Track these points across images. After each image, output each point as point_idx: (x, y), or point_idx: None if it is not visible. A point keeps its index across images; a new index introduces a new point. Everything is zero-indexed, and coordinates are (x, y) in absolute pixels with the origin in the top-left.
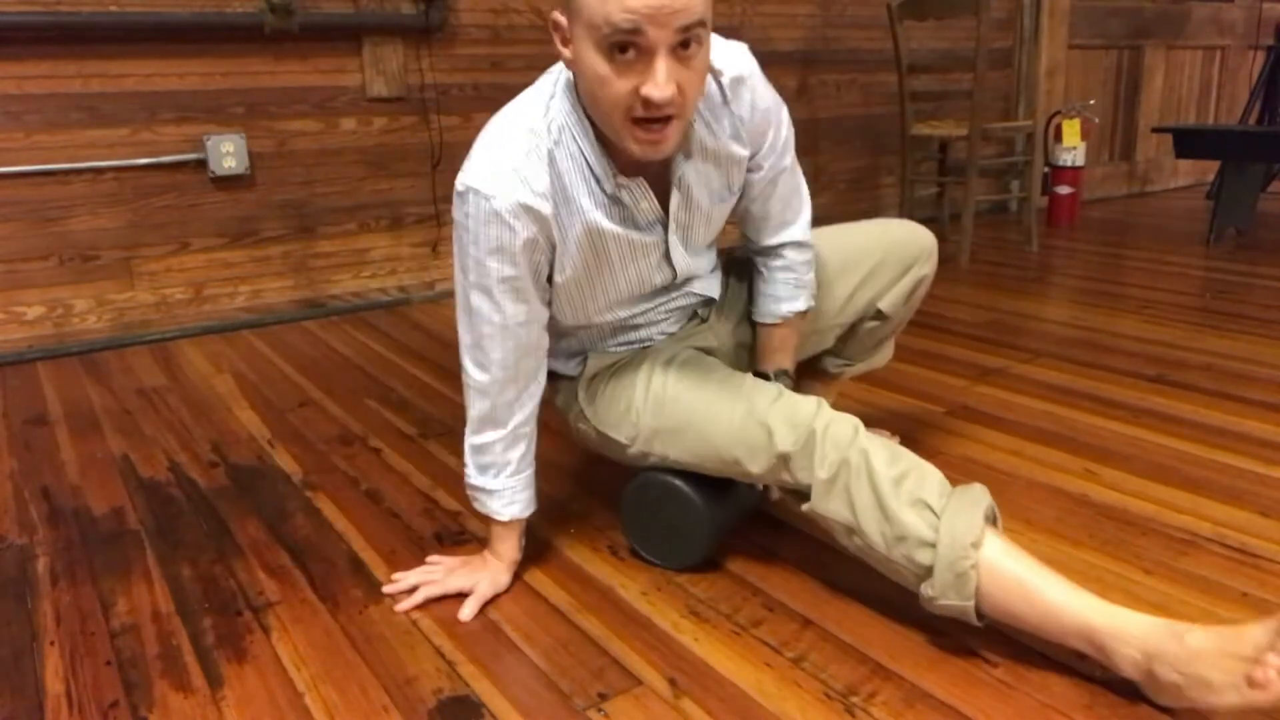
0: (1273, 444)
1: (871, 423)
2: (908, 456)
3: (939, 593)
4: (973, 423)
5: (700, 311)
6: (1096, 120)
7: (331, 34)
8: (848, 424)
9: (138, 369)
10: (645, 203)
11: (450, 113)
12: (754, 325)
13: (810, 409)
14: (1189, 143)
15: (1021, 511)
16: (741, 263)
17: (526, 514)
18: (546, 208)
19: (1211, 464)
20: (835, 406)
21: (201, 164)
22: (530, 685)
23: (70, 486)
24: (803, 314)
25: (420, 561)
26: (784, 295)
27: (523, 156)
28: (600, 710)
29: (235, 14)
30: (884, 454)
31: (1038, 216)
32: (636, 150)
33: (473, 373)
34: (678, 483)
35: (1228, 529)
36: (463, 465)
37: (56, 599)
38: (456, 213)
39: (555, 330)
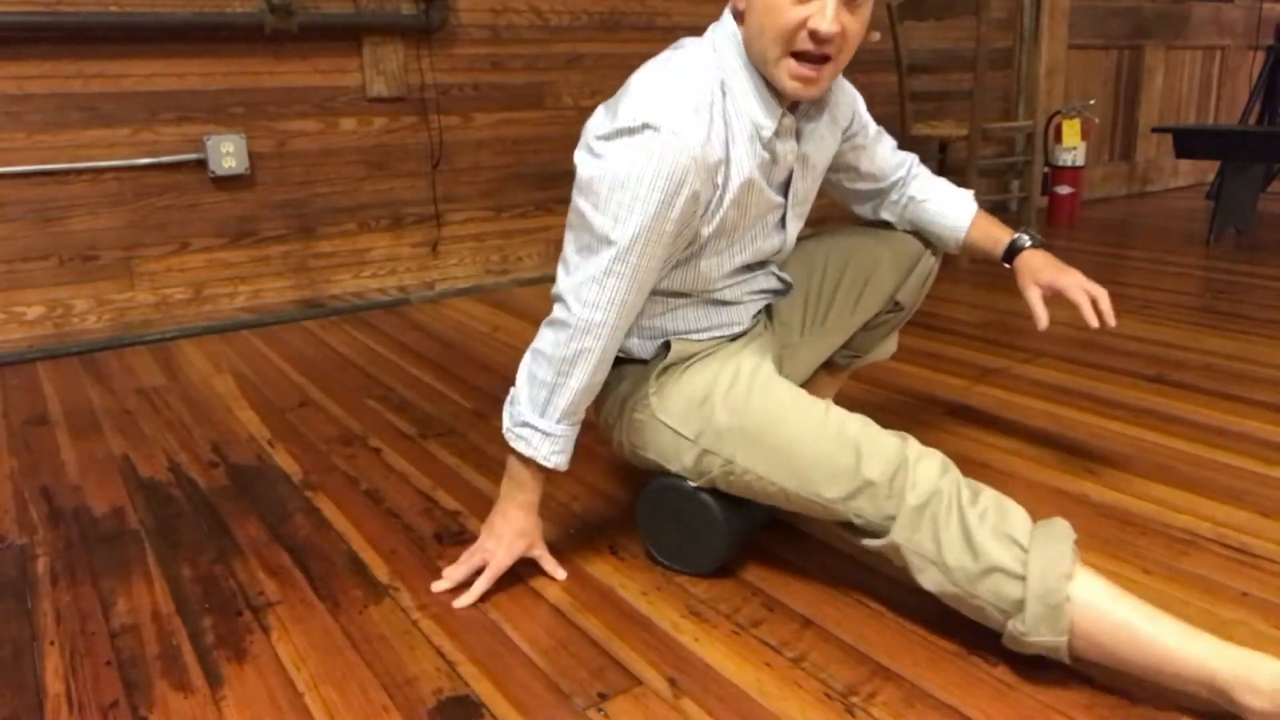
0: (1273, 444)
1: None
2: (987, 492)
3: (1030, 628)
4: (973, 423)
5: (764, 311)
6: (1096, 120)
7: (331, 34)
8: (937, 457)
9: (138, 369)
10: (791, 155)
11: (450, 113)
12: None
13: (899, 441)
14: (1189, 143)
15: None
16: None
17: (567, 466)
18: (718, 156)
19: (1211, 464)
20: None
21: (201, 164)
22: (530, 685)
23: (70, 486)
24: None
25: (420, 561)
26: (953, 196)
27: (702, 101)
28: (600, 710)
29: (235, 14)
30: (968, 489)
31: (1038, 216)
32: (789, 86)
33: (580, 311)
34: (697, 489)
35: (1228, 529)
36: (500, 409)
37: (56, 599)
38: (612, 146)
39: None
